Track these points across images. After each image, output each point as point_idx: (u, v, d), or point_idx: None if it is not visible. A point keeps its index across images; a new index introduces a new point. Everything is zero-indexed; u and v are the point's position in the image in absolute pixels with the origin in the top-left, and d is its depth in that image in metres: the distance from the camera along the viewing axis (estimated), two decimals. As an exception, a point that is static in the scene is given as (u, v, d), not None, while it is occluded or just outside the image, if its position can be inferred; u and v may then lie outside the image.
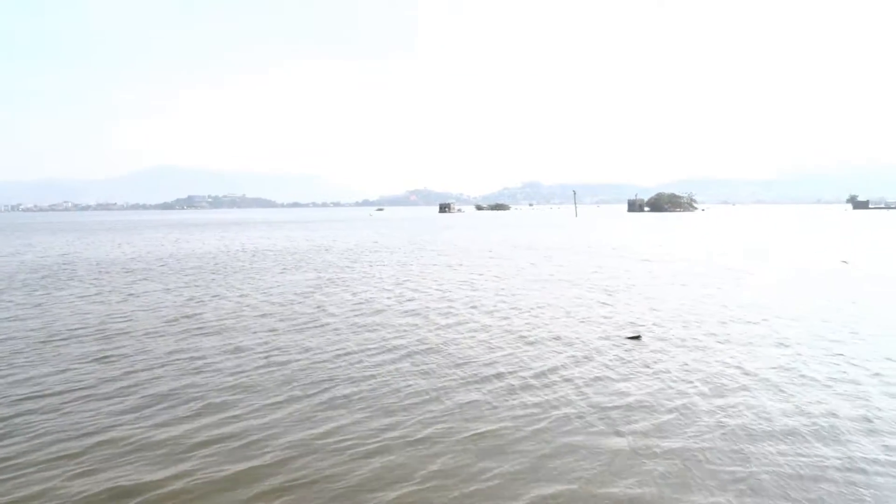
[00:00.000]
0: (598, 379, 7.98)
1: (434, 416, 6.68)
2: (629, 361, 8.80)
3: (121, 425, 6.46)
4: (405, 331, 11.03)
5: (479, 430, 6.27)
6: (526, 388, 7.64)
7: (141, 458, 5.67)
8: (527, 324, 11.54)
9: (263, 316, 12.56)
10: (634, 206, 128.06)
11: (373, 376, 8.19)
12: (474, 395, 7.37)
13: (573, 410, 6.82)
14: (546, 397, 7.27)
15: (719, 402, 7.03)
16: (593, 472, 5.32)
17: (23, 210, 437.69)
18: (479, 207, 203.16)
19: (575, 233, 47.14)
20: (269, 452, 5.80)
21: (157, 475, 5.33)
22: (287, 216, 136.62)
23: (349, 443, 6.01)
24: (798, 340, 9.92)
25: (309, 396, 7.39)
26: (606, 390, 7.50)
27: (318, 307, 13.62)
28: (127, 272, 21.18)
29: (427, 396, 7.36)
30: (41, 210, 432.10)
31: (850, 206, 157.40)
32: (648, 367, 8.50)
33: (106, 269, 22.41)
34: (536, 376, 8.12)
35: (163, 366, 8.72)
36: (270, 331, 11.10)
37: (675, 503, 4.81)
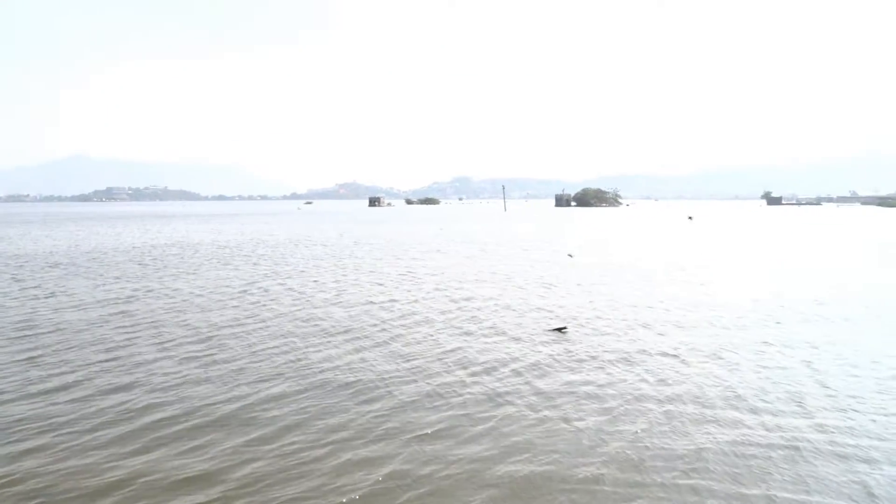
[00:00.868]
0: (535, 366, 8.17)
1: (384, 415, 6.54)
2: (570, 352, 9.09)
3: (55, 430, 5.77)
4: (348, 326, 10.72)
5: (432, 425, 6.21)
6: (475, 380, 7.68)
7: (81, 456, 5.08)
8: (472, 317, 11.61)
9: (203, 311, 11.95)
10: (562, 202, 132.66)
11: (318, 372, 7.88)
12: (425, 388, 7.30)
13: (522, 401, 6.94)
14: (494, 387, 7.33)
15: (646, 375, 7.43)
16: (548, 461, 5.43)
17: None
18: (409, 202, 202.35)
19: (506, 227, 48.20)
20: (211, 459, 5.40)
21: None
22: (213, 209, 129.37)
23: (296, 446, 5.73)
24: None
25: (254, 394, 6.97)
26: (554, 380, 7.70)
27: (257, 303, 13.02)
28: (51, 266, 19.62)
29: (375, 393, 7.18)
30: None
31: (764, 201, 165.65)
32: (591, 356, 8.82)
33: (26, 262, 20.17)
34: (486, 370, 8.18)
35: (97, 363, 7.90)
36: (211, 326, 10.58)
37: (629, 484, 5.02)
